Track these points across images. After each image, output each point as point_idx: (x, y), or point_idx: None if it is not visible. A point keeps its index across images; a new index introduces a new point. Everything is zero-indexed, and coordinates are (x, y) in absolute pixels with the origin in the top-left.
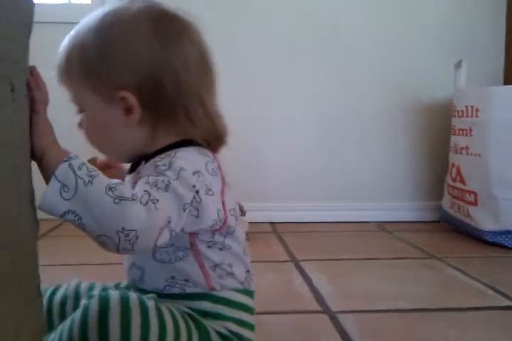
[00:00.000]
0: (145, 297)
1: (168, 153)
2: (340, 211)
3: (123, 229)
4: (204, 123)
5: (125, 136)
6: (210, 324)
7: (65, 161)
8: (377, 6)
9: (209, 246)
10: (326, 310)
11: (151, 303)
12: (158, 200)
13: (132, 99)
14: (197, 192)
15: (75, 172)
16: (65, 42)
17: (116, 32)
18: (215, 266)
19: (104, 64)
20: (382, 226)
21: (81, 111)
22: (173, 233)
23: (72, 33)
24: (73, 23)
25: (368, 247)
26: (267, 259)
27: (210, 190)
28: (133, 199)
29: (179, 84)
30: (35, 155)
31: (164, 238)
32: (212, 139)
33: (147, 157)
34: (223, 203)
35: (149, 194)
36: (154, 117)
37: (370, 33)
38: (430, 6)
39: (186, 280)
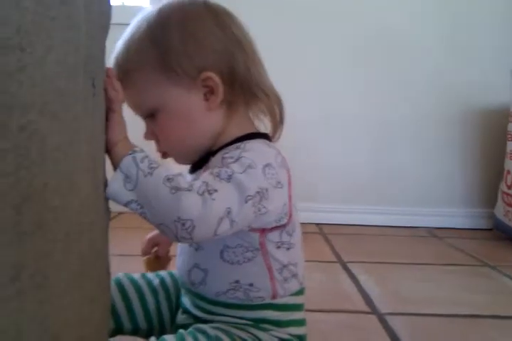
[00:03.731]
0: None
1: (237, 145)
2: (389, 215)
3: (179, 218)
4: (273, 98)
5: (205, 124)
6: (272, 332)
7: (130, 154)
8: (433, 10)
9: (278, 247)
10: (374, 311)
11: None
12: (216, 190)
13: (216, 78)
14: (266, 189)
15: (137, 164)
16: (125, 43)
17: (183, 17)
18: (283, 267)
19: (182, 49)
20: (432, 232)
21: (149, 115)
22: (234, 224)
23: (130, 32)
24: (127, 25)
25: (418, 252)
26: (313, 259)
27: (279, 182)
28: (188, 189)
29: (247, 60)
30: (106, 148)
31: (224, 228)
32: (280, 119)
33: (213, 153)
34: (290, 197)
35: (207, 184)
36: (231, 95)
37: (426, 36)
38: (487, 10)
39: (251, 284)
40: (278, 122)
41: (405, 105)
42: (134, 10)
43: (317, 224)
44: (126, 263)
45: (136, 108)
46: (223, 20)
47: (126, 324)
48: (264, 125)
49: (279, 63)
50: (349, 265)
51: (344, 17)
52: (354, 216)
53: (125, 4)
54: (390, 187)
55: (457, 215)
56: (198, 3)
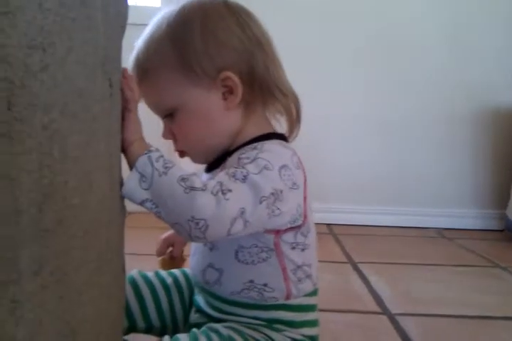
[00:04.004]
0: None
1: (254, 145)
2: (400, 215)
3: (192, 217)
4: (291, 98)
5: (223, 123)
6: (285, 333)
7: (145, 154)
8: (438, 9)
9: (293, 248)
10: (385, 311)
11: None
12: (230, 190)
13: (235, 78)
14: (280, 190)
15: (152, 164)
16: (145, 42)
17: (203, 16)
18: (297, 267)
19: (203, 49)
20: (442, 232)
21: (168, 115)
22: (248, 224)
23: (150, 32)
24: (140, 25)
25: (429, 253)
26: (324, 260)
27: (295, 183)
28: (202, 189)
29: (267, 59)
30: (122, 147)
31: (238, 228)
32: (296, 118)
33: (230, 153)
34: (305, 198)
35: (222, 184)
36: (250, 95)
37: (438, 35)
38: (491, 9)
39: (265, 284)
40: (295, 121)
41: (414, 104)
42: (145, 10)
43: (327, 224)
44: (136, 261)
45: (155, 107)
46: (243, 19)
47: (140, 322)
48: (280, 125)
49: (291, 62)
50: (359, 265)
51: (348, 17)
52: (364, 216)
53: (137, 4)
54: (401, 187)
55: (468, 216)
56: (218, 3)
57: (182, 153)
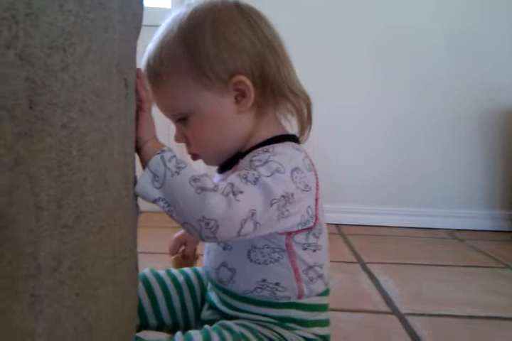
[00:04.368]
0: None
1: (266, 148)
2: (409, 216)
3: (203, 217)
4: (302, 97)
5: (236, 126)
6: (297, 332)
7: (158, 153)
8: (451, 10)
9: (304, 249)
10: (395, 311)
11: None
12: (241, 192)
13: (247, 81)
14: (292, 193)
15: (165, 163)
16: (156, 46)
17: (215, 19)
18: (308, 268)
19: (215, 53)
20: (453, 233)
21: (180, 119)
22: (258, 226)
23: (161, 35)
24: (149, 26)
25: (439, 254)
26: (333, 259)
27: (307, 185)
28: (214, 190)
29: (278, 60)
30: (136, 146)
31: (248, 230)
32: (308, 118)
33: (242, 155)
34: (316, 200)
35: (233, 186)
36: (262, 97)
37: (447, 34)
38: (507, 10)
39: (277, 283)
40: (306, 121)
41: (425, 104)
42: (155, 11)
43: (336, 224)
44: (148, 260)
45: (168, 111)
46: (255, 21)
47: (151, 319)
48: (289, 124)
49: (297, 62)
50: (369, 265)
51: (357, 17)
52: (373, 217)
53: (147, 5)
54: (410, 188)
55: (478, 217)
56: (229, 5)
57: (195, 156)
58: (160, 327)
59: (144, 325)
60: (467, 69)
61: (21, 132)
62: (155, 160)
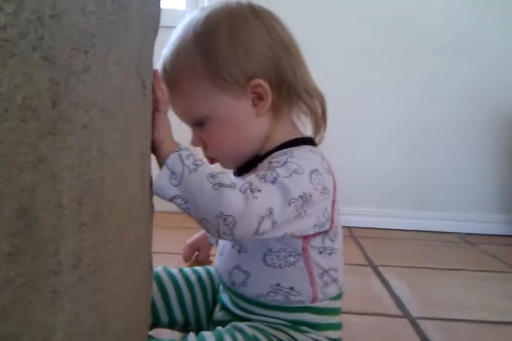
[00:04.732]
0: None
1: (284, 151)
2: (421, 220)
3: (221, 213)
4: (317, 98)
5: (254, 130)
6: (310, 335)
7: (176, 151)
8: (472, 9)
9: (320, 252)
10: (406, 315)
11: None
12: (259, 190)
13: (265, 84)
14: (310, 195)
15: (182, 161)
16: (173, 50)
17: (230, 23)
18: (324, 272)
19: (232, 57)
20: (465, 237)
21: (197, 124)
22: (275, 225)
23: (177, 39)
24: (164, 28)
25: (451, 258)
26: (344, 262)
27: (325, 188)
28: (231, 186)
29: (293, 62)
30: (152, 147)
31: (265, 228)
32: (322, 118)
33: (261, 158)
34: (333, 202)
35: (251, 184)
36: (278, 100)
37: (464, 39)
38: None
39: (291, 288)
40: (320, 120)
41: (440, 109)
42: (169, 12)
43: (348, 227)
44: (160, 260)
45: (185, 116)
46: (270, 23)
47: (163, 317)
48: (302, 124)
49: (313, 63)
50: (380, 268)
51: (386, 19)
52: (386, 220)
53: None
54: (423, 191)
55: (491, 221)
56: (243, 8)
57: (212, 160)
58: (172, 324)
59: (155, 323)
60: (488, 76)
61: (44, 131)
62: (173, 158)
